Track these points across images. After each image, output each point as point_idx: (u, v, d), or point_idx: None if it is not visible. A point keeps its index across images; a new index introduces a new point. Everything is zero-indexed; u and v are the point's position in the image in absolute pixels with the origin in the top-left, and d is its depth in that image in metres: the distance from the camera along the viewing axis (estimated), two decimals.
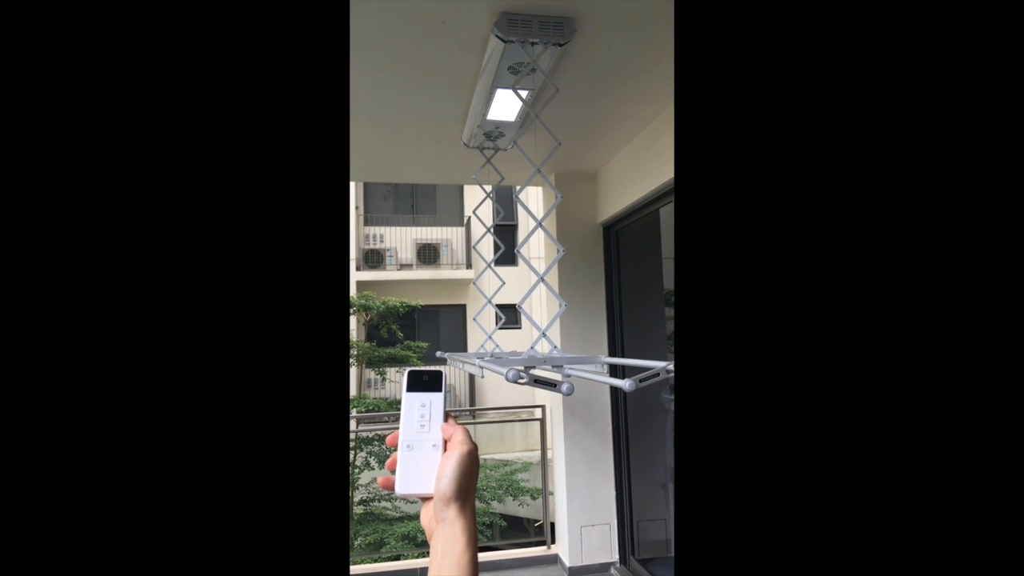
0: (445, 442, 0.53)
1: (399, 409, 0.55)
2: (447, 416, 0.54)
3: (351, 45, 1.60)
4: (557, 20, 1.47)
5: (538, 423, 3.56)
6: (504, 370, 1.05)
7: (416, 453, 0.52)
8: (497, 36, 1.47)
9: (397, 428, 0.54)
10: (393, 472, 0.52)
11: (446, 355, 2.33)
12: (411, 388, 0.54)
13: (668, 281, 2.91)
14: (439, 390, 0.54)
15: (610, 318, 2.93)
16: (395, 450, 0.53)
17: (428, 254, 9.27)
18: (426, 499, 0.51)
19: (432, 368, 0.56)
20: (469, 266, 9.33)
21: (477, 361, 1.45)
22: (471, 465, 0.50)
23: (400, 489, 0.51)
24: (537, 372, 1.34)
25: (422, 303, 8.46)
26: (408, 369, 0.56)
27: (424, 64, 1.73)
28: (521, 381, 1.03)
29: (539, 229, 1.58)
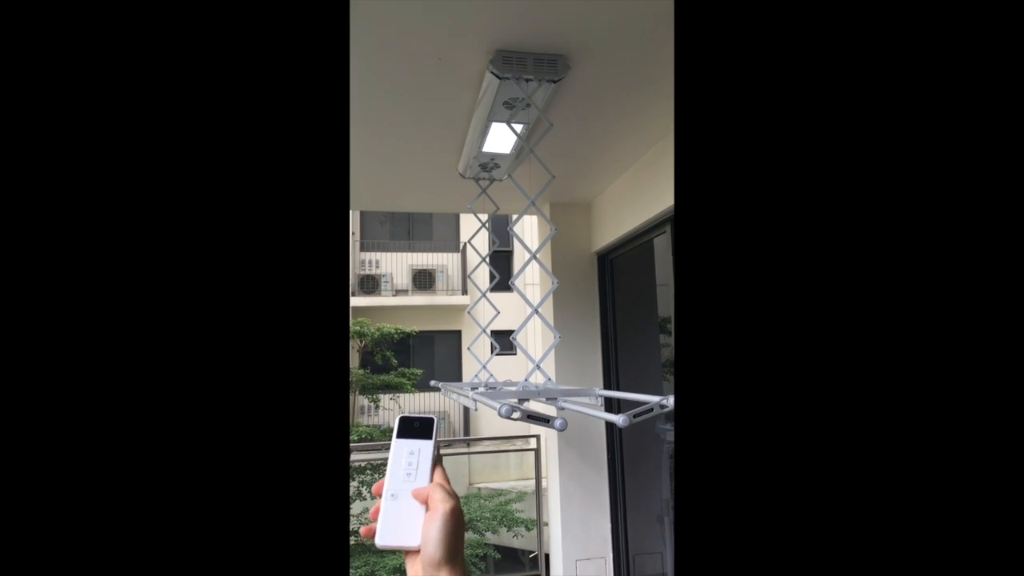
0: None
1: (391, 437, 0.54)
2: (437, 464, 0.53)
3: (350, 79, 1.62)
4: (551, 58, 1.50)
5: (533, 453, 3.51)
6: (498, 405, 1.04)
7: (400, 503, 0.50)
8: (492, 73, 1.50)
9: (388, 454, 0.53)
10: (376, 521, 0.50)
11: (440, 384, 2.31)
12: (401, 435, 0.53)
13: (662, 308, 2.92)
14: (429, 438, 0.53)
15: (605, 346, 2.93)
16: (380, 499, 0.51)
17: (424, 280, 9.27)
18: (409, 552, 0.49)
19: (424, 415, 0.55)
20: (464, 292, 9.33)
21: (471, 393, 1.43)
22: (456, 524, 0.48)
23: (381, 540, 0.49)
24: (531, 405, 1.33)
25: (417, 329, 8.42)
26: (400, 415, 0.54)
27: (421, 98, 1.76)
28: (514, 417, 1.02)
29: (534, 260, 1.58)
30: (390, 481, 0.51)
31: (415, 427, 0.53)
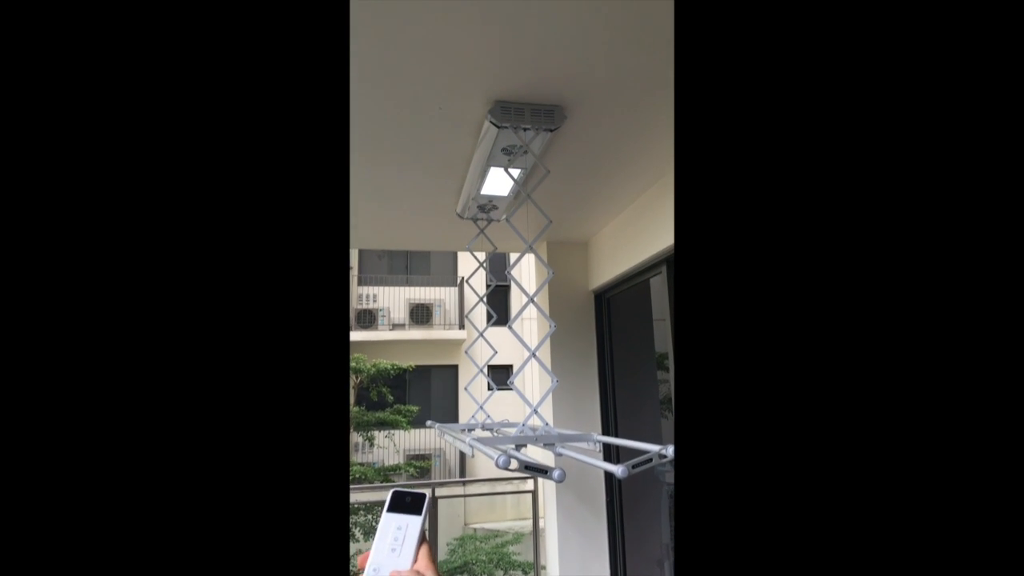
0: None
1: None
2: (423, 542, 0.53)
3: (352, 126, 1.67)
4: (548, 108, 1.55)
5: (530, 494, 3.44)
6: (495, 455, 1.03)
7: None
8: (491, 122, 1.54)
9: (381, 503, 0.53)
10: None
11: (436, 425, 2.28)
12: (391, 508, 0.53)
13: (659, 344, 2.92)
14: (419, 513, 0.54)
15: (602, 384, 2.91)
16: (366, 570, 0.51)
17: (421, 314, 9.26)
18: None
19: (417, 491, 0.55)
20: (462, 326, 9.30)
21: (467, 439, 1.42)
22: None
23: None
24: (528, 450, 1.32)
25: (414, 364, 8.36)
26: (392, 489, 0.55)
27: (421, 143, 1.80)
28: (511, 468, 1.01)
29: (531, 304, 1.59)
30: (374, 555, 0.51)
31: (406, 502, 0.54)
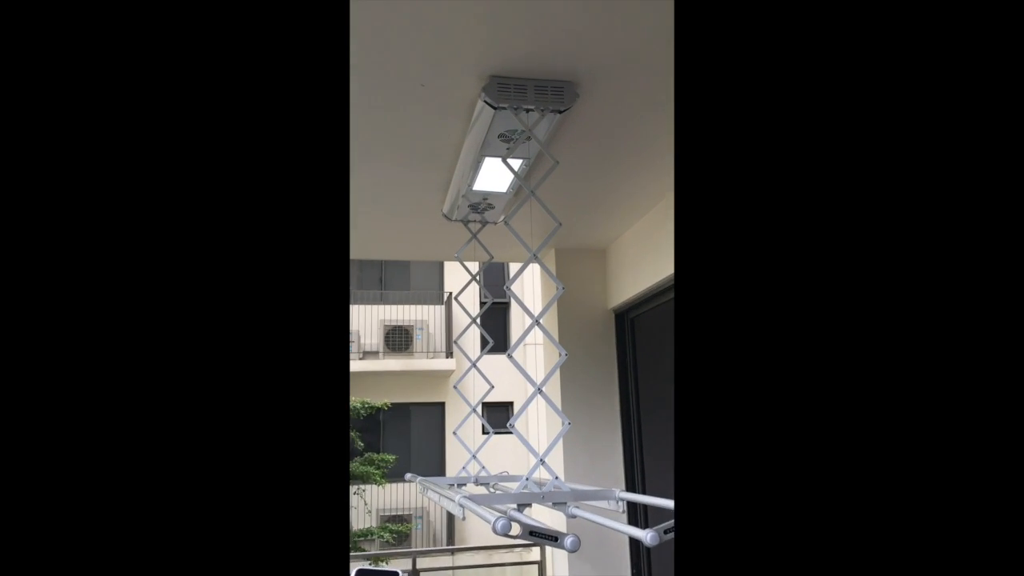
0: None
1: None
2: None
3: None
4: (556, 84, 1.57)
5: (536, 567, 3.41)
6: (491, 518, 1.02)
7: None
8: (486, 102, 1.56)
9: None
10: None
11: (417, 479, 2.27)
12: None
13: None
14: None
15: (625, 427, 2.90)
16: None
17: (399, 339, 9.25)
18: None
19: (387, 569, 0.56)
20: (450, 355, 9.29)
21: (457, 496, 1.41)
22: None
23: None
24: (533, 511, 1.31)
25: (389, 401, 8.33)
26: (357, 568, 0.55)
27: (400, 130, 1.81)
28: (513, 534, 1.00)
29: (536, 326, 1.59)
30: None
31: None
